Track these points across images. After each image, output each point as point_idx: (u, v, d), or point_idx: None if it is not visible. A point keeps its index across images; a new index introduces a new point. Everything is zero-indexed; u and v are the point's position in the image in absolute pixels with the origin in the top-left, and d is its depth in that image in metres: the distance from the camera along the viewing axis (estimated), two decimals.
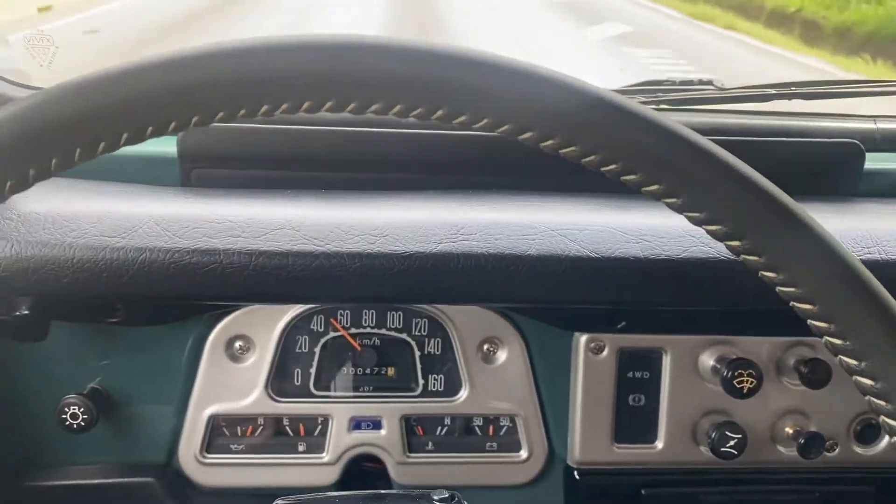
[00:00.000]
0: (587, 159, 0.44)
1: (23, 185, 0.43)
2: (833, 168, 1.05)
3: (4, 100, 1.00)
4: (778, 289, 0.45)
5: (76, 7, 8.51)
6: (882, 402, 0.46)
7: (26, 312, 0.83)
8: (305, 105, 0.42)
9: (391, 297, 0.88)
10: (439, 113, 0.42)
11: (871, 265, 0.84)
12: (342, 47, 0.42)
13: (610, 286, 0.85)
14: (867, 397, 0.46)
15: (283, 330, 0.94)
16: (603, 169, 0.44)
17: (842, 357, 0.46)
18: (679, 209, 0.45)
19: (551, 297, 0.87)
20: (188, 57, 0.41)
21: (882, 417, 0.47)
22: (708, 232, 0.45)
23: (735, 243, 0.45)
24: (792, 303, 0.46)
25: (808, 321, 0.46)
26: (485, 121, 0.43)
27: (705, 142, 0.45)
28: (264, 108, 0.42)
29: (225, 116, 0.43)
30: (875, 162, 1.07)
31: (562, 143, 0.43)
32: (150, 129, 0.42)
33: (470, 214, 0.88)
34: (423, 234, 0.83)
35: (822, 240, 0.45)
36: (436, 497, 0.70)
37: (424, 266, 0.82)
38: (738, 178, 0.45)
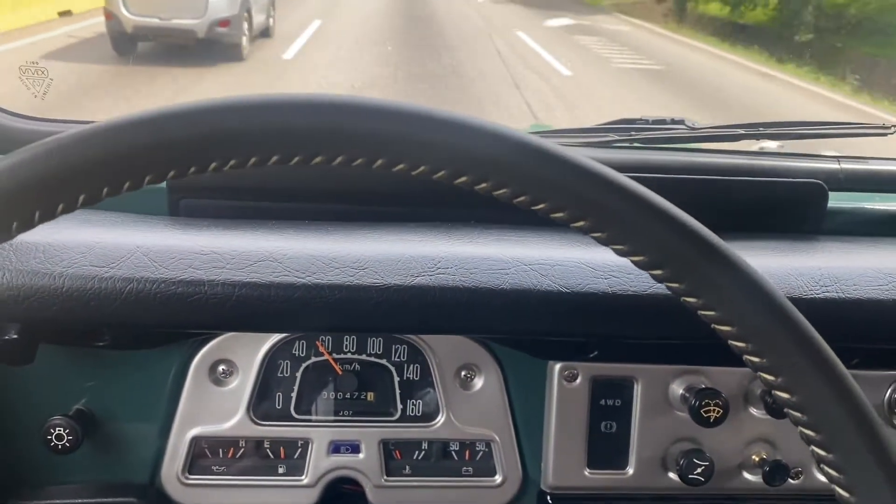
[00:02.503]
0: (518, 200, 0.47)
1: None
2: (797, 207, 1.09)
3: (4, 133, 1.03)
4: (714, 327, 0.49)
5: (96, 11, 8.16)
6: (812, 434, 0.49)
7: (15, 337, 0.85)
8: (252, 160, 0.46)
9: (370, 327, 0.91)
10: (380, 162, 0.46)
11: (830, 303, 0.89)
12: (291, 105, 0.46)
13: (580, 320, 0.89)
14: (798, 428, 0.50)
15: (266, 354, 0.97)
16: (533, 208, 0.48)
17: (776, 392, 0.49)
18: (604, 243, 0.48)
19: (525, 330, 0.90)
20: (148, 118, 0.45)
21: (812, 448, 0.50)
22: (633, 263, 0.49)
23: (674, 286, 0.48)
24: (729, 341, 0.49)
25: (744, 357, 0.49)
26: (422, 168, 0.47)
27: (621, 178, 0.48)
28: (213, 164, 0.45)
29: (179, 174, 0.46)
30: (838, 201, 1.11)
31: (494, 186, 0.46)
32: (126, 184, 0.46)
33: (447, 248, 0.91)
34: (402, 267, 0.86)
35: (750, 279, 0.48)
36: None
37: (402, 298, 0.84)
38: (656, 213, 0.48)
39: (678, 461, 0.99)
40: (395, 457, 1.02)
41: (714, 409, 0.95)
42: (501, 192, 0.47)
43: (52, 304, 0.80)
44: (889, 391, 1.01)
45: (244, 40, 8.24)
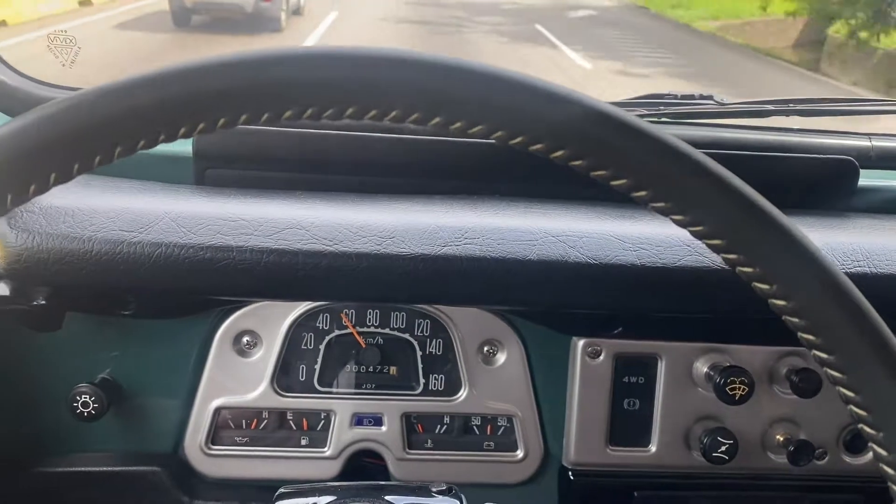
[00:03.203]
0: (597, 173, 0.46)
1: (23, 197, 0.45)
2: (828, 184, 1.07)
3: (34, 100, 1.03)
4: (770, 301, 0.48)
5: (115, 1, 9.81)
6: (863, 413, 0.48)
7: (43, 302, 0.85)
8: (309, 112, 0.44)
9: (396, 297, 0.91)
10: (458, 125, 0.45)
11: (861, 278, 0.88)
12: (354, 57, 0.45)
13: (608, 292, 0.88)
14: (849, 406, 0.49)
15: (290, 326, 0.97)
16: (613, 183, 0.47)
17: (828, 370, 0.49)
18: (682, 224, 0.47)
19: (551, 301, 0.90)
20: (194, 68, 0.44)
21: (862, 426, 0.49)
22: (708, 246, 0.48)
23: (731, 256, 0.47)
24: (783, 316, 0.48)
25: (798, 334, 0.48)
26: (500, 133, 0.45)
27: (709, 161, 0.48)
28: (265, 116, 0.44)
29: (208, 126, 0.45)
30: (869, 179, 1.10)
31: (571, 155, 0.46)
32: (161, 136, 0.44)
33: (474, 219, 0.90)
34: (429, 236, 0.86)
35: (813, 256, 0.47)
36: (434, 489, 0.72)
37: (429, 268, 0.84)
38: (737, 196, 0.47)
39: (701, 439, 0.99)
40: (416, 430, 1.02)
41: (739, 387, 0.95)
42: (579, 163, 0.46)
43: (81, 268, 0.80)
44: None
45: (283, 15, 9.93)
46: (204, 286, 0.83)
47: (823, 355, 0.48)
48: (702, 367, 0.99)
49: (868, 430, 0.49)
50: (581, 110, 0.45)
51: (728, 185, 0.47)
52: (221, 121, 0.43)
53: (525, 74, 0.46)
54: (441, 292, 0.87)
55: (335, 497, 0.69)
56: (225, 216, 0.85)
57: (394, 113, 0.44)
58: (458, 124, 0.44)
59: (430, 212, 0.92)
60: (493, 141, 0.45)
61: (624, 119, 0.46)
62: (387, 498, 0.69)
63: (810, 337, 0.48)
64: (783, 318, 0.48)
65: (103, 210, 0.83)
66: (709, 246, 0.48)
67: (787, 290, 0.47)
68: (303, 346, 0.99)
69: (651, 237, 0.89)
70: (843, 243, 0.92)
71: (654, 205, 0.47)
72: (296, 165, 1.00)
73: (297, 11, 10.78)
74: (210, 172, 0.99)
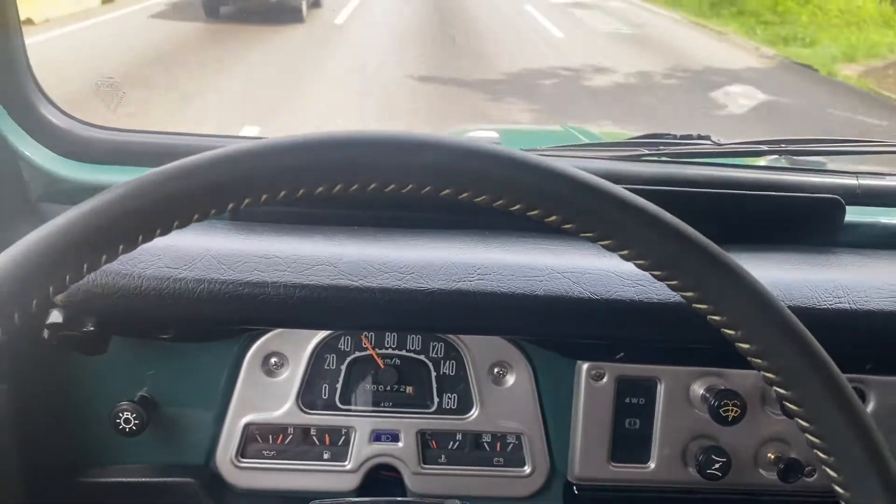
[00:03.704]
0: (565, 227, 0.53)
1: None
2: (815, 220, 1.14)
3: (80, 141, 1.12)
4: (708, 317, 0.54)
5: None
6: (795, 408, 0.53)
7: (92, 329, 0.93)
8: (338, 188, 0.53)
9: (414, 326, 0.99)
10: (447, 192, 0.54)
11: (841, 314, 0.95)
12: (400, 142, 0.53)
13: (608, 324, 0.96)
14: (784, 404, 0.54)
15: (315, 348, 1.05)
16: (582, 235, 0.54)
17: (775, 389, 0.54)
18: (626, 258, 0.54)
19: (556, 332, 0.97)
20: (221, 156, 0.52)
21: (816, 452, 0.54)
22: (654, 277, 0.54)
23: (672, 282, 0.54)
24: (721, 330, 0.54)
25: (735, 344, 0.54)
26: (499, 200, 0.53)
27: (640, 201, 0.54)
28: (301, 191, 0.53)
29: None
30: (856, 215, 1.17)
31: (540, 213, 0.53)
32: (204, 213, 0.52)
33: (485, 255, 0.98)
34: (445, 272, 0.94)
35: (737, 275, 0.53)
36: None
37: (445, 301, 0.92)
38: (669, 229, 0.53)
39: (697, 457, 1.05)
40: (431, 446, 1.09)
41: (732, 409, 1.01)
42: (534, 213, 0.53)
43: (132, 300, 0.88)
44: None
45: (304, 6, 11.11)
46: (241, 316, 0.91)
47: (771, 376, 0.53)
48: (698, 389, 1.05)
49: (821, 454, 0.53)
50: (545, 174, 0.52)
51: (665, 224, 0.53)
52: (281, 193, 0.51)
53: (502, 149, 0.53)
54: (455, 323, 0.95)
55: None
56: (260, 253, 0.93)
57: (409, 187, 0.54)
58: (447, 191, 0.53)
59: (445, 248, 0.99)
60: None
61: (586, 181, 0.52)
62: None
63: (758, 360, 0.53)
64: (734, 344, 0.54)
65: (149, 248, 0.91)
66: (668, 286, 0.54)
67: (733, 321, 0.52)
68: (326, 367, 1.06)
69: (647, 275, 0.96)
70: (825, 280, 0.99)
71: (619, 252, 0.54)
72: (321, 201, 1.08)
73: (315, 4, 11.86)
74: (244, 208, 1.07)
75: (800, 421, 0.53)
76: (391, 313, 0.91)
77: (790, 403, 0.53)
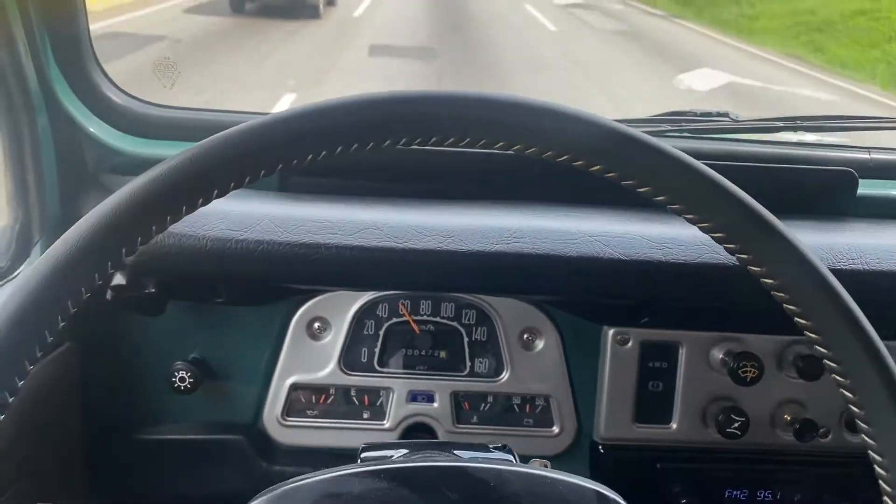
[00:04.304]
0: (642, 190, 0.57)
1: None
2: (829, 192, 1.20)
3: (139, 118, 1.18)
4: (762, 280, 0.57)
5: None
6: (835, 365, 0.57)
7: (153, 291, 1.00)
8: (405, 140, 0.54)
9: (455, 286, 1.05)
10: (518, 146, 0.55)
11: (854, 274, 1.01)
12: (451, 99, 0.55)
13: (638, 284, 1.01)
14: (840, 389, 0.57)
15: (355, 314, 1.11)
16: (654, 199, 0.57)
17: (817, 348, 0.57)
18: (694, 223, 0.58)
19: (587, 292, 1.03)
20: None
21: (851, 407, 0.57)
22: (715, 240, 0.58)
23: (730, 246, 0.57)
24: (784, 304, 0.57)
25: (784, 305, 0.57)
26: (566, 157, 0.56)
27: (718, 177, 0.58)
28: (371, 144, 0.54)
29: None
30: (868, 188, 1.22)
31: (622, 176, 0.56)
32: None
33: (520, 221, 1.04)
34: (483, 236, 0.99)
35: (801, 253, 0.56)
36: (491, 446, 0.85)
37: (483, 263, 0.98)
38: (740, 205, 0.57)
39: (717, 417, 1.11)
40: (464, 407, 1.15)
41: (751, 370, 1.07)
42: (611, 175, 0.56)
43: (195, 261, 0.95)
44: None
45: (321, 3, 12.22)
46: (296, 276, 0.98)
47: (814, 336, 0.56)
48: (718, 353, 1.11)
49: (855, 409, 0.57)
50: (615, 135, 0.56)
51: (732, 195, 0.57)
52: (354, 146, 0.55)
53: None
54: (493, 283, 1.01)
55: (409, 451, 0.81)
56: (313, 218, 0.99)
57: (482, 141, 0.55)
58: (517, 146, 0.55)
59: (483, 215, 1.05)
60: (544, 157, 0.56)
61: (650, 143, 0.56)
62: (453, 452, 0.81)
63: (803, 321, 0.56)
64: (784, 306, 0.57)
65: (211, 213, 0.97)
66: (726, 250, 0.57)
67: (783, 281, 0.56)
68: (365, 332, 1.12)
69: (673, 237, 1.01)
70: (840, 244, 1.05)
71: (672, 207, 0.58)
72: (364, 174, 1.14)
73: (330, 2, 12.90)
74: (293, 180, 1.13)
75: (837, 377, 0.57)
76: (434, 274, 0.98)
77: (830, 361, 0.57)
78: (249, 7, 11.72)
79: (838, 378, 0.57)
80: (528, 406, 1.16)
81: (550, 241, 1.00)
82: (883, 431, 0.56)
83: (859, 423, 0.57)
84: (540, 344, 1.13)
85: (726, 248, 0.58)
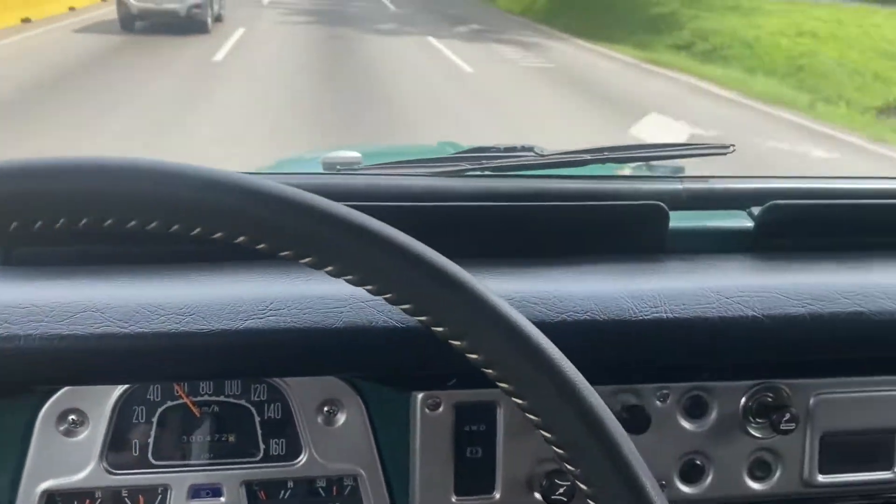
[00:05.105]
0: (304, 261, 0.48)
1: None
2: (640, 228, 1.13)
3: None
4: (431, 329, 0.51)
5: (93, 7, 14.62)
6: (545, 434, 0.52)
7: None
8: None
9: (201, 374, 0.91)
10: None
11: (657, 323, 0.93)
12: None
13: (415, 351, 0.91)
14: (536, 428, 0.52)
15: (117, 402, 0.95)
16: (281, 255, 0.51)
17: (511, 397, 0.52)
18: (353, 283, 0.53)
19: (364, 366, 0.93)
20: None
21: (563, 464, 0.52)
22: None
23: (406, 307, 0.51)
24: (448, 341, 0.51)
25: (466, 356, 0.51)
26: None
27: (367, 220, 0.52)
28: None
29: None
30: (681, 220, 1.17)
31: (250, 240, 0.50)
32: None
33: (281, 288, 0.91)
34: (230, 310, 0.86)
35: (494, 312, 0.50)
36: None
37: (230, 342, 0.85)
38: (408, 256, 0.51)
39: (542, 482, 1.01)
40: (259, 497, 1.01)
41: None
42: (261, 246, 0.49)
43: None
44: (743, 400, 1.06)
45: (209, 19, 13.43)
46: (7, 374, 0.81)
47: (518, 401, 0.51)
48: None
49: (568, 467, 0.52)
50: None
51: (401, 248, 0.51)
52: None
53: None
54: (251, 365, 0.88)
55: None
56: (15, 303, 0.83)
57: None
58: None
59: (236, 282, 0.92)
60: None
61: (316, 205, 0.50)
62: None
63: (502, 384, 0.51)
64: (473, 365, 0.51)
65: None
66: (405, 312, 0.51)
67: (475, 346, 0.50)
68: (134, 421, 0.96)
69: None
70: (646, 290, 0.98)
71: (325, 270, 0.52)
72: (92, 238, 0.98)
73: (218, 18, 14.39)
74: (17, 252, 0.97)
75: (543, 432, 0.51)
76: (170, 360, 0.83)
77: (528, 413, 0.50)
78: (139, 26, 12.67)
79: (543, 433, 0.52)
80: (334, 489, 1.02)
81: (314, 311, 0.87)
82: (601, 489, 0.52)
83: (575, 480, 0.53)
84: (342, 417, 1.00)
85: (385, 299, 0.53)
